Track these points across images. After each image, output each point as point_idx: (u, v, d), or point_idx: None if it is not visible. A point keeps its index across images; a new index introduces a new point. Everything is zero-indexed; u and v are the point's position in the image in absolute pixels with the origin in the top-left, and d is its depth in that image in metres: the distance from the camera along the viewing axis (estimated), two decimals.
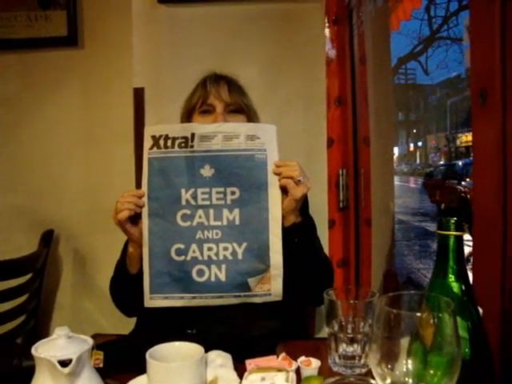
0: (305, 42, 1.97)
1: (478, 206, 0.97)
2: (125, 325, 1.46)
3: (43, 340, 0.82)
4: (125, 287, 1.34)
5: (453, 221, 0.75)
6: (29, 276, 1.91)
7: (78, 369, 0.78)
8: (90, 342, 0.83)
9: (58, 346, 0.80)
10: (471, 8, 1.04)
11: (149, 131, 1.25)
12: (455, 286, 0.76)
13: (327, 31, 1.92)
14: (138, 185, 1.26)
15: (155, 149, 1.23)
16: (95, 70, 2.13)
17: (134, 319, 1.43)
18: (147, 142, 1.24)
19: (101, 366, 0.85)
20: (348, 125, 1.94)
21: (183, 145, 1.23)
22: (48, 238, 2.04)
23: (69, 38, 2.14)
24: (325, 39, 1.93)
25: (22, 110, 2.18)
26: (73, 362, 0.76)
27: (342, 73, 1.92)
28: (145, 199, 1.23)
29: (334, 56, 1.93)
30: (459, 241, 0.76)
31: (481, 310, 0.77)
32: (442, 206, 10.09)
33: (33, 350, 0.79)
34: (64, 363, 0.76)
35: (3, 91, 2.20)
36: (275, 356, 0.98)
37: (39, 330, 2.04)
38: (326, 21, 1.92)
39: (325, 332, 1.06)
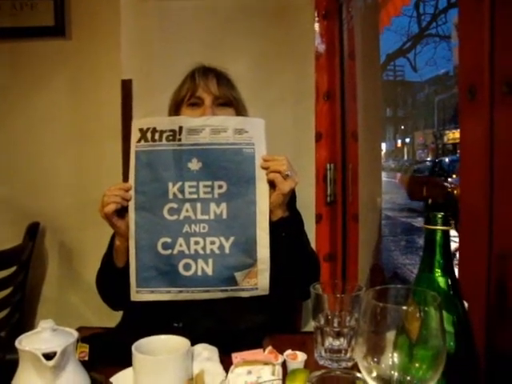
0: (295, 36, 1.96)
1: (465, 202, 0.98)
2: (111, 318, 1.45)
3: (27, 333, 0.81)
4: (111, 281, 1.33)
5: (440, 215, 0.75)
6: (13, 269, 1.89)
7: (62, 362, 0.78)
8: (75, 334, 0.82)
9: (43, 339, 0.79)
10: (460, 5, 1.05)
11: (136, 124, 1.24)
12: (441, 281, 0.76)
13: (317, 26, 1.92)
14: (126, 178, 1.25)
15: (143, 142, 1.22)
16: (83, 62, 2.09)
17: (120, 313, 1.42)
18: (134, 135, 1.23)
19: (86, 359, 0.84)
20: (336, 119, 1.94)
21: (171, 138, 1.22)
22: (34, 231, 2.02)
23: (56, 28, 2.10)
24: (314, 34, 1.92)
25: (9, 102, 2.15)
26: (57, 355, 0.75)
27: (331, 68, 1.92)
28: (132, 192, 1.22)
29: (323, 51, 1.93)
30: (446, 235, 0.76)
31: (466, 304, 0.78)
32: (429, 201, 10.18)
33: (16, 343, 0.78)
34: (48, 356, 0.75)
35: None
36: (261, 349, 0.99)
37: (24, 323, 2.02)
38: (316, 15, 1.92)
39: (311, 326, 1.06)
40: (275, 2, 1.98)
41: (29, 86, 2.15)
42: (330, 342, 1.01)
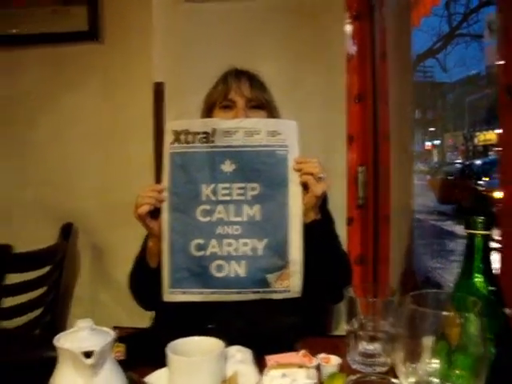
0: (326, 38, 1.95)
1: (507, 205, 0.95)
2: (142, 318, 1.47)
3: (66, 331, 0.82)
4: (144, 281, 1.35)
5: (480, 220, 0.74)
6: (48, 268, 1.92)
7: (100, 361, 0.78)
8: (113, 334, 0.83)
9: (81, 338, 0.80)
10: (498, 5, 1.02)
11: (170, 126, 1.25)
12: (482, 286, 0.75)
13: (348, 27, 1.91)
14: (158, 179, 1.27)
15: (176, 144, 1.23)
16: (115, 65, 2.13)
17: (151, 313, 1.44)
18: (168, 137, 1.24)
19: (122, 358, 0.85)
20: (368, 122, 1.93)
21: (204, 140, 1.23)
22: (67, 231, 2.05)
23: (89, 32, 2.14)
24: (346, 35, 1.91)
25: (43, 104, 2.20)
26: (96, 354, 0.76)
27: (362, 69, 1.91)
28: (165, 194, 1.23)
29: (354, 52, 1.92)
30: (486, 240, 0.74)
31: (508, 311, 0.76)
32: (461, 204, 9.98)
33: (55, 341, 0.79)
34: (87, 355, 0.76)
35: (24, 85, 2.22)
36: (295, 352, 0.98)
37: (56, 322, 2.06)
38: (348, 16, 1.91)
39: (342, 329, 1.05)
40: (307, 4, 1.98)
41: (62, 88, 2.19)
42: (363, 346, 1.00)
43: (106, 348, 0.80)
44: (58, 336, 0.81)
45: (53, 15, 2.17)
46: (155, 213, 1.24)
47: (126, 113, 2.12)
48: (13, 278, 1.74)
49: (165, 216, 1.23)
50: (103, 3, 2.13)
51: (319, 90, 1.97)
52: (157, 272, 1.25)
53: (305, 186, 1.23)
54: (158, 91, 1.99)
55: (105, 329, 0.85)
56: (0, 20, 2.24)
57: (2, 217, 2.19)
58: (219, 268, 1.21)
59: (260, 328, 1.23)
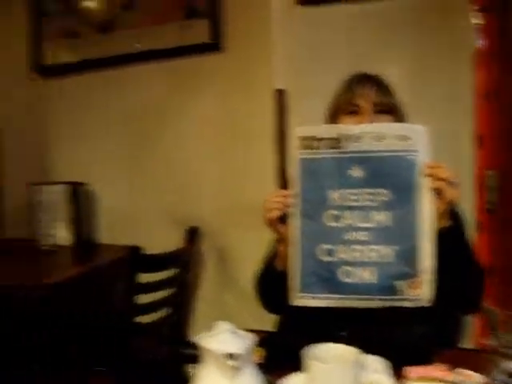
0: (453, 33, 1.86)
1: None
2: (265, 321, 1.50)
3: (207, 333, 0.86)
4: (271, 284, 1.37)
5: None
6: (176, 270, 2.03)
7: (243, 363, 0.81)
8: (253, 337, 0.85)
9: (223, 340, 0.84)
10: None
11: (297, 132, 1.26)
12: None
13: (477, 21, 1.80)
14: (279, 184, 1.28)
15: (304, 150, 1.24)
16: (236, 73, 2.21)
17: (274, 316, 1.45)
18: (296, 143, 1.25)
19: (261, 362, 0.87)
20: (499, 122, 1.81)
21: (331, 146, 1.23)
22: (193, 234, 2.16)
23: (211, 44, 2.25)
24: (474, 30, 1.81)
25: (169, 115, 2.34)
26: (240, 356, 0.79)
27: (493, 66, 1.79)
28: (294, 199, 1.24)
29: (484, 47, 1.80)
30: None
31: None
32: None
33: (200, 342, 0.83)
34: (230, 357, 0.79)
35: (152, 98, 2.38)
36: (435, 365, 0.94)
37: (182, 322, 2.16)
38: (476, 10, 1.80)
39: (476, 342, 0.99)
40: (429, 1, 1.90)
41: (185, 99, 2.33)
42: (508, 364, 0.93)
43: (249, 351, 0.82)
44: (200, 336, 0.86)
45: (178, 31, 2.30)
46: (283, 218, 1.26)
47: (246, 119, 2.18)
48: (146, 278, 1.86)
49: (294, 221, 1.24)
50: (224, 15, 2.22)
51: (445, 91, 1.88)
52: (284, 275, 1.26)
53: (436, 192, 1.18)
54: (279, 98, 2.02)
55: (244, 332, 0.88)
56: (125, 38, 2.43)
57: (134, 220, 2.37)
58: (347, 274, 1.20)
59: (392, 337, 1.20)
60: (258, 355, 0.86)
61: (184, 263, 2.06)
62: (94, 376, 1.90)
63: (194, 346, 0.84)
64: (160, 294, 1.98)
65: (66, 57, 2.63)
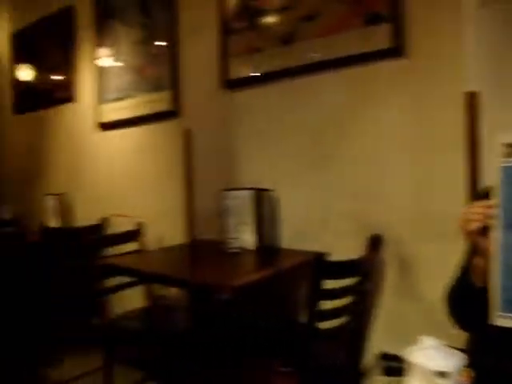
0: None
1: None
2: (447, 336, 1.41)
3: (414, 347, 0.85)
4: (466, 300, 1.29)
5: None
6: (357, 278, 2.02)
7: (452, 382, 0.78)
8: (462, 356, 0.81)
9: (430, 356, 0.81)
10: None
11: (501, 139, 1.17)
12: None
13: None
14: (469, 192, 1.20)
15: (509, 157, 1.15)
16: (421, 78, 2.13)
17: (461, 333, 1.36)
18: (499, 150, 1.16)
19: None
20: None
21: None
22: (376, 242, 2.13)
23: (393, 49, 2.20)
24: None
25: (352, 122, 2.36)
26: (451, 376, 0.76)
27: None
28: (497, 211, 1.15)
29: None
30: None
31: None
32: None
33: (409, 356, 0.82)
34: (441, 375, 0.77)
35: (333, 106, 2.42)
36: None
37: (361, 330, 2.15)
38: None
39: None
40: None
41: (368, 105, 2.32)
42: None
43: (459, 370, 0.79)
44: (408, 350, 0.84)
45: (357, 37, 2.30)
46: (483, 230, 1.18)
47: (434, 125, 2.10)
48: (329, 285, 1.89)
49: (497, 234, 1.15)
50: (408, 19, 2.16)
51: None
52: (482, 292, 1.18)
53: None
54: (471, 101, 1.90)
55: (452, 350, 0.85)
56: (304, 49, 2.52)
57: (321, 226, 2.42)
58: None
59: None
60: (466, 376, 0.82)
61: (366, 271, 2.04)
62: (277, 376, 1.98)
63: (399, 359, 0.83)
64: (341, 301, 1.99)
65: (248, 71, 2.82)
